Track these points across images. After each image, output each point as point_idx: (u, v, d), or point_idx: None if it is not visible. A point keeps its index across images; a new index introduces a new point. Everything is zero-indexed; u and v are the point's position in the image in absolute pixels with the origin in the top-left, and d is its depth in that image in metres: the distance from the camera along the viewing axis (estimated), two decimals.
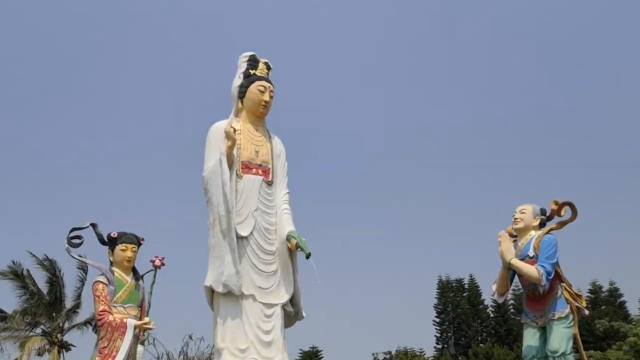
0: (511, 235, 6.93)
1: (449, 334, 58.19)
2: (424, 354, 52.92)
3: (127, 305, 6.26)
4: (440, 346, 57.62)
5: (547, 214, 6.94)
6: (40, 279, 29.50)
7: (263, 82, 7.16)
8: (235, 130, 6.81)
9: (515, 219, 6.91)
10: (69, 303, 29.73)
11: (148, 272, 6.59)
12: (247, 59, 7.31)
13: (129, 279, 6.41)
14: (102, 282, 6.20)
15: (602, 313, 48.46)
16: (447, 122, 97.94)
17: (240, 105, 7.22)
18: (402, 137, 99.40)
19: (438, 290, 60.62)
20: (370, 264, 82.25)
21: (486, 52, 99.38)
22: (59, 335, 29.27)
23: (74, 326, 30.11)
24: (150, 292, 6.47)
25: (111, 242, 6.48)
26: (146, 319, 6.32)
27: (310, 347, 55.52)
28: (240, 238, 6.59)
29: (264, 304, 6.59)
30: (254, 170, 6.94)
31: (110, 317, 6.03)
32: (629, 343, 36.04)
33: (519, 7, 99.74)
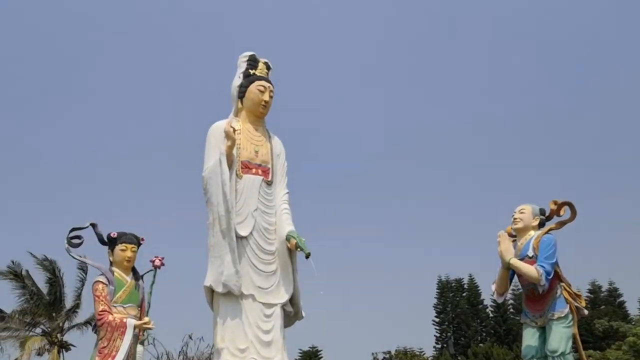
0: (510, 235, 6.93)
1: (449, 333, 58.18)
2: (424, 354, 52.94)
3: (127, 305, 6.26)
4: (439, 346, 57.61)
5: (547, 214, 6.94)
6: (40, 279, 29.50)
7: (263, 82, 7.16)
8: (234, 130, 6.80)
9: (515, 219, 6.91)
10: (68, 303, 29.72)
11: (148, 272, 6.60)
12: (247, 58, 7.31)
13: (128, 279, 6.41)
14: (102, 282, 6.21)
15: (601, 313, 48.44)
16: (447, 122, 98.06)
17: (240, 105, 7.22)
18: (402, 137, 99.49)
19: (438, 290, 60.63)
20: (370, 264, 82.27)
21: (486, 52, 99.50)
22: (58, 335, 29.24)
23: (73, 326, 30.08)
24: (150, 292, 6.48)
25: (111, 242, 6.48)
26: (146, 319, 6.33)
27: (310, 347, 55.44)
28: (239, 238, 6.60)
29: (263, 303, 6.59)
30: (253, 170, 6.94)
31: (110, 317, 6.03)
32: (628, 343, 36.06)
33: (519, 7, 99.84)
